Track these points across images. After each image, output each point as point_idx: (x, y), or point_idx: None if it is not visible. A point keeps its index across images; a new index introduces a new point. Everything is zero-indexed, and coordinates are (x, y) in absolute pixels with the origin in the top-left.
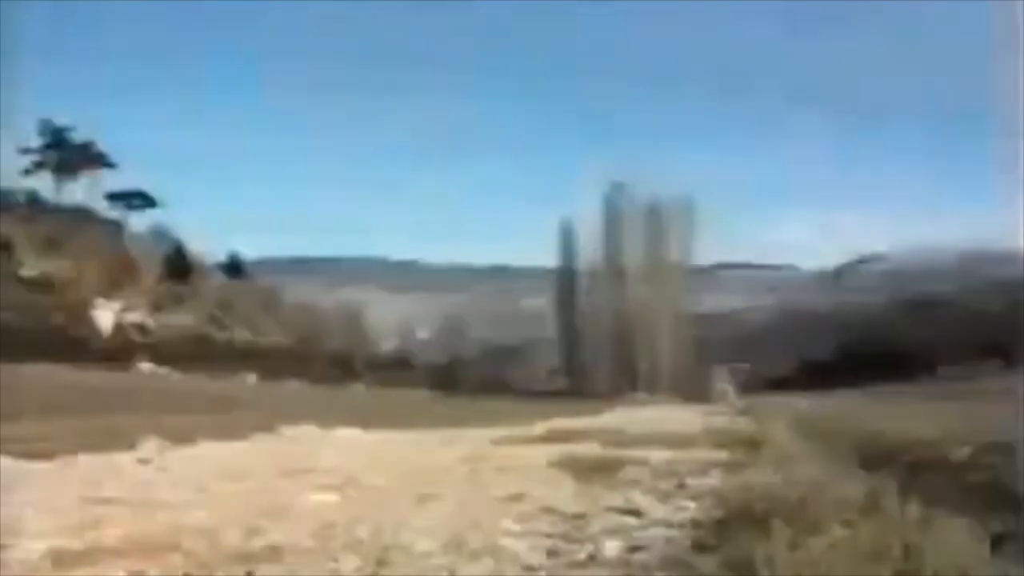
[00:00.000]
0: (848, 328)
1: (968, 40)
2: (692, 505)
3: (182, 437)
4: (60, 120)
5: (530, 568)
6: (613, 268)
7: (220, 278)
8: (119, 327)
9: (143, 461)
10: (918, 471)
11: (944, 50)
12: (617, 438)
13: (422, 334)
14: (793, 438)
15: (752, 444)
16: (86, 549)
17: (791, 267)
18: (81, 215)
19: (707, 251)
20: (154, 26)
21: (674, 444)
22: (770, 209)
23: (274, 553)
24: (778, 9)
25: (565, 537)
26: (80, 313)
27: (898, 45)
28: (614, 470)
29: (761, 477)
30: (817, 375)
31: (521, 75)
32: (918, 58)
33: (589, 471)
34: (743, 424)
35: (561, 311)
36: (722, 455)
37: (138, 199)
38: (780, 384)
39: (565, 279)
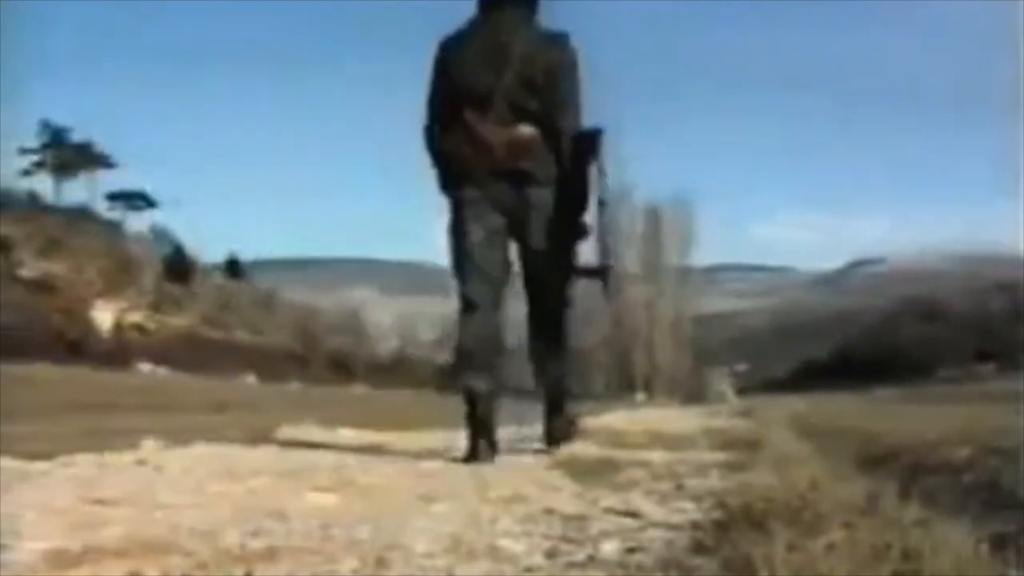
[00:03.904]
0: (847, 329)
1: (970, 40)
2: (691, 506)
3: (181, 437)
4: (60, 120)
5: (529, 569)
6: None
7: (219, 279)
8: (118, 327)
9: (142, 461)
10: (917, 473)
11: (946, 50)
12: (616, 439)
13: (422, 335)
14: (792, 439)
15: (751, 445)
16: (85, 549)
17: (790, 268)
18: (81, 215)
19: (706, 252)
20: (155, 25)
21: (673, 445)
22: (770, 210)
23: (273, 553)
24: (780, 7)
25: (564, 538)
26: (80, 313)
27: (900, 44)
28: (613, 471)
29: (760, 478)
30: (816, 376)
31: None
32: (920, 58)
33: (588, 472)
34: (742, 425)
35: None
36: (721, 456)
37: (138, 199)
38: (779, 385)
39: None
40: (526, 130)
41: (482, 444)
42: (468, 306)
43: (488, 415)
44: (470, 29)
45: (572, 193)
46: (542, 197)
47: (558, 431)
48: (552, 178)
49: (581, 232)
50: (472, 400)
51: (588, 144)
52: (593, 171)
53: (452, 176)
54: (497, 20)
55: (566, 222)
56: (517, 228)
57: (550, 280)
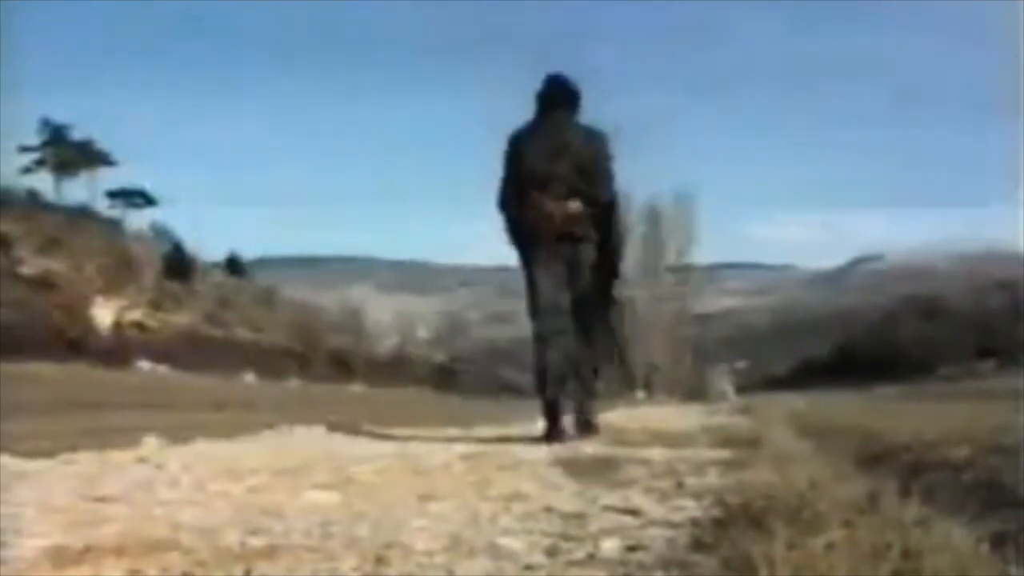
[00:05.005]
0: (847, 327)
1: (970, 40)
2: (691, 504)
3: (181, 435)
4: (60, 118)
5: (529, 567)
6: None
7: (219, 276)
8: (118, 325)
9: (142, 459)
10: (917, 471)
11: (947, 49)
12: (616, 437)
13: (422, 333)
14: (792, 437)
15: (751, 443)
16: (85, 547)
17: (790, 267)
18: (81, 213)
19: (707, 251)
20: (155, 24)
21: (673, 443)
22: (770, 209)
23: (272, 552)
24: (779, 7)
25: (564, 536)
26: (80, 311)
27: (901, 44)
28: (613, 469)
29: (760, 476)
30: (816, 374)
31: (521, 72)
32: (921, 57)
33: (588, 470)
34: (742, 423)
35: None
36: (721, 454)
37: (138, 197)
38: (779, 383)
39: None
40: (575, 204)
41: (554, 431)
42: (541, 337)
43: (559, 412)
44: (533, 127)
45: (608, 245)
46: (588, 251)
47: (580, 427)
48: (592, 237)
49: (616, 274)
50: (550, 405)
51: (610, 209)
52: (618, 227)
53: (523, 239)
54: (552, 121)
55: (609, 267)
56: (572, 275)
57: (594, 310)
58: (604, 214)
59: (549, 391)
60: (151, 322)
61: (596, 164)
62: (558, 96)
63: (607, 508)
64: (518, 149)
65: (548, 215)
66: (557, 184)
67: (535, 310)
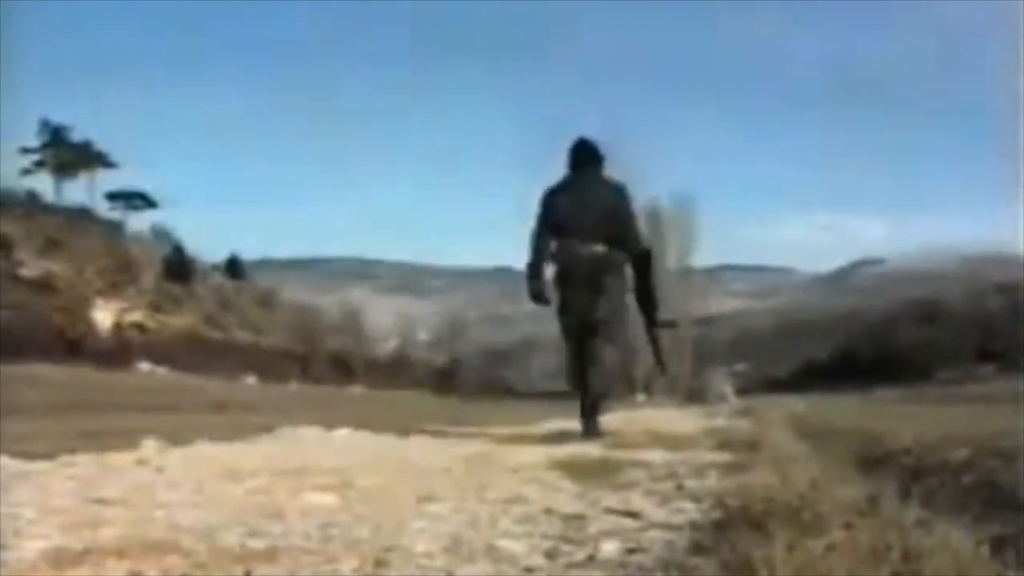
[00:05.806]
0: (848, 330)
1: (971, 41)
2: (691, 507)
3: (181, 437)
4: (59, 119)
5: (529, 569)
6: None
7: (219, 278)
8: (118, 327)
9: (142, 461)
10: (917, 474)
11: (945, 49)
12: (616, 440)
13: (422, 335)
14: (792, 440)
15: (751, 446)
16: (85, 549)
17: (791, 269)
18: (81, 215)
19: (707, 253)
20: (155, 25)
21: (673, 446)
22: (770, 210)
23: (272, 553)
24: (778, 7)
25: (563, 538)
26: (80, 313)
27: (900, 45)
28: (613, 472)
29: (760, 479)
30: (816, 377)
31: (521, 74)
32: (919, 57)
33: (588, 473)
34: (742, 426)
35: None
36: (721, 457)
37: (138, 199)
38: (779, 386)
39: None
40: (599, 248)
41: (590, 426)
42: (572, 348)
43: (593, 410)
44: (565, 183)
45: (646, 283)
46: (611, 283)
47: (591, 429)
48: (614, 270)
49: (657, 304)
50: (584, 402)
51: (646, 259)
52: (653, 271)
53: (555, 276)
54: (581, 176)
55: (649, 298)
56: (597, 301)
57: (613, 330)
58: (642, 262)
59: (581, 390)
60: (151, 324)
61: (618, 212)
62: (585, 156)
63: (607, 510)
64: (551, 202)
65: (577, 257)
66: (584, 231)
67: (565, 325)
